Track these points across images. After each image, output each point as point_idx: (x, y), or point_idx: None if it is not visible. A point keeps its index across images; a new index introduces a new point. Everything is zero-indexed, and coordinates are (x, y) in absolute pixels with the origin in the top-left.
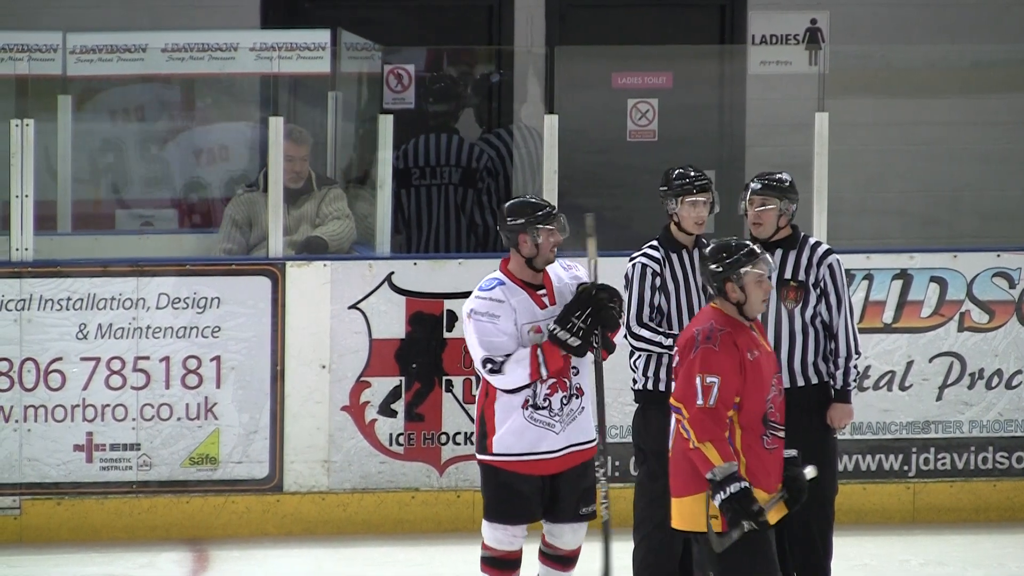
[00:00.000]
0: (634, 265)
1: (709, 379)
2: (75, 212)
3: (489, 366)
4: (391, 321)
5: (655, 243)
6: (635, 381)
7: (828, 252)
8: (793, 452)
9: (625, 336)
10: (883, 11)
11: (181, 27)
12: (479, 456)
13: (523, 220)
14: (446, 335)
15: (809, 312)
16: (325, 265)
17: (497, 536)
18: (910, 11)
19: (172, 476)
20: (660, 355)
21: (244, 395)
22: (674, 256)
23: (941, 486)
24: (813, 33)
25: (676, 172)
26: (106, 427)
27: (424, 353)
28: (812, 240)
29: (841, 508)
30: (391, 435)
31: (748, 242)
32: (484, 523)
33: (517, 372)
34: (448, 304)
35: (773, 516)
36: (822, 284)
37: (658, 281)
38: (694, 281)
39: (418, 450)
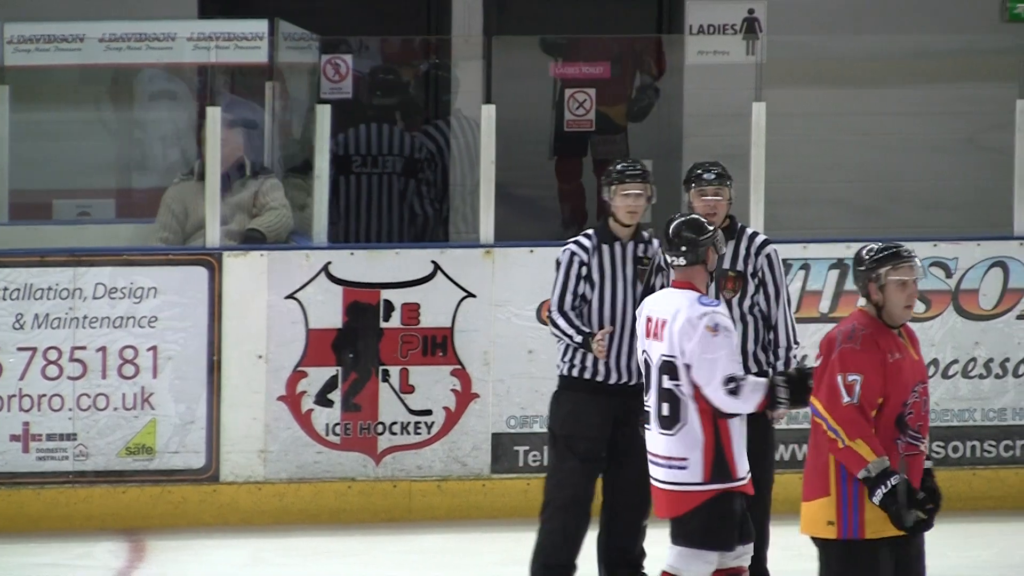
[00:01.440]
0: (564, 252)
1: (851, 377)
2: (12, 202)
3: (732, 385)
4: (328, 311)
5: (590, 232)
6: (559, 366)
7: (766, 242)
8: (929, 464)
9: (547, 317)
10: (821, 1)
11: (119, 17)
12: (721, 486)
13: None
14: (383, 325)
15: (747, 302)
16: (262, 255)
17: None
18: (847, 1)
19: (109, 466)
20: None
21: (181, 385)
22: (606, 247)
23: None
24: (750, 23)
25: (617, 163)
26: (43, 417)
27: (361, 343)
28: (750, 230)
29: (778, 497)
30: (327, 425)
31: (899, 245)
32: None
33: (753, 399)
34: (385, 294)
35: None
36: (760, 274)
37: (584, 270)
38: (623, 273)
39: (355, 440)
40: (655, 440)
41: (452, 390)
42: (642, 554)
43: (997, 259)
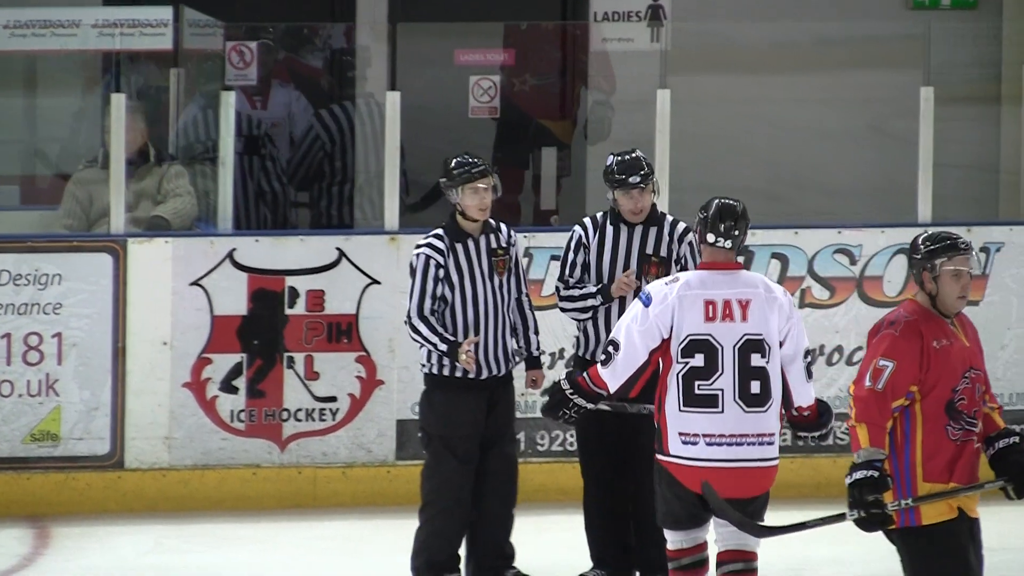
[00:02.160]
0: (418, 255)
1: (883, 362)
2: None
3: (809, 359)
4: (233, 298)
5: (440, 232)
6: (423, 365)
7: (687, 230)
8: (1016, 439)
9: (405, 322)
10: None
11: (23, 3)
12: None
13: None
14: (288, 311)
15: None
16: (167, 242)
17: None
18: None
19: (13, 453)
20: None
21: (85, 372)
22: (459, 246)
23: (783, 462)
24: (655, 10)
25: (455, 161)
26: None
27: (266, 330)
28: (670, 218)
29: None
30: (232, 412)
31: (955, 236)
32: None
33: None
34: (290, 281)
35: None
36: (683, 261)
37: (441, 272)
38: (479, 270)
39: (259, 427)
40: (740, 420)
41: (357, 377)
42: (513, 549)
43: (901, 246)
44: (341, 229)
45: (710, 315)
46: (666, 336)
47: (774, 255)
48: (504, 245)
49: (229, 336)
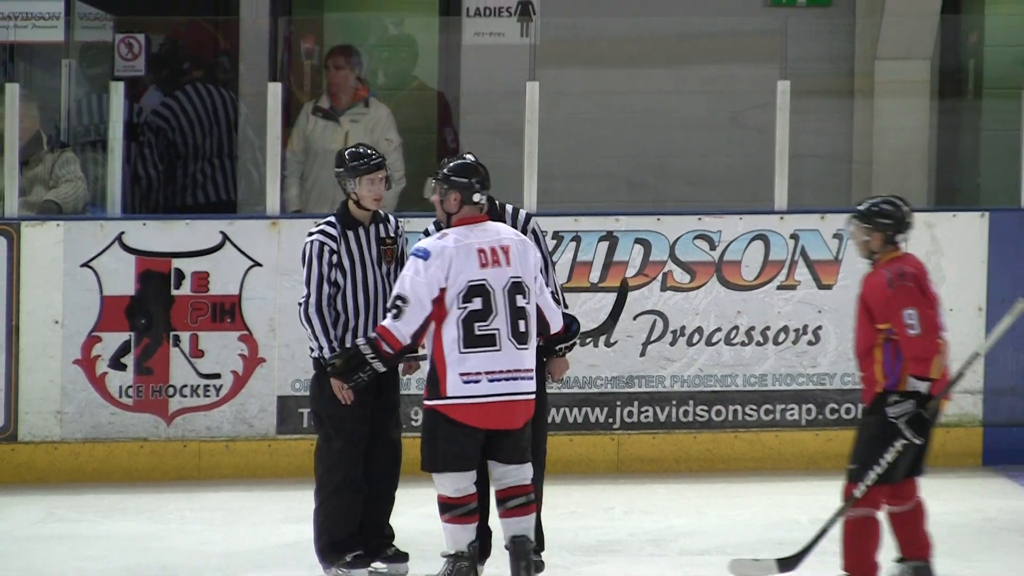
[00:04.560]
0: (311, 243)
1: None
2: None
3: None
4: (121, 279)
5: (332, 220)
6: (311, 349)
7: (529, 216)
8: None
9: (299, 304)
10: None
11: None
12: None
13: None
14: (174, 292)
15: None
16: (58, 225)
17: None
18: None
19: None
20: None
21: None
22: (350, 233)
23: (644, 438)
24: (525, 6)
25: (350, 152)
26: None
27: (153, 310)
28: (510, 207)
29: (549, 458)
30: (121, 387)
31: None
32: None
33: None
34: (176, 263)
35: None
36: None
37: (335, 258)
38: (369, 256)
39: (147, 402)
40: (513, 357)
41: (240, 355)
42: (392, 530)
43: (758, 232)
44: (225, 214)
45: (483, 262)
46: (443, 286)
47: (637, 240)
48: (392, 235)
49: (118, 315)
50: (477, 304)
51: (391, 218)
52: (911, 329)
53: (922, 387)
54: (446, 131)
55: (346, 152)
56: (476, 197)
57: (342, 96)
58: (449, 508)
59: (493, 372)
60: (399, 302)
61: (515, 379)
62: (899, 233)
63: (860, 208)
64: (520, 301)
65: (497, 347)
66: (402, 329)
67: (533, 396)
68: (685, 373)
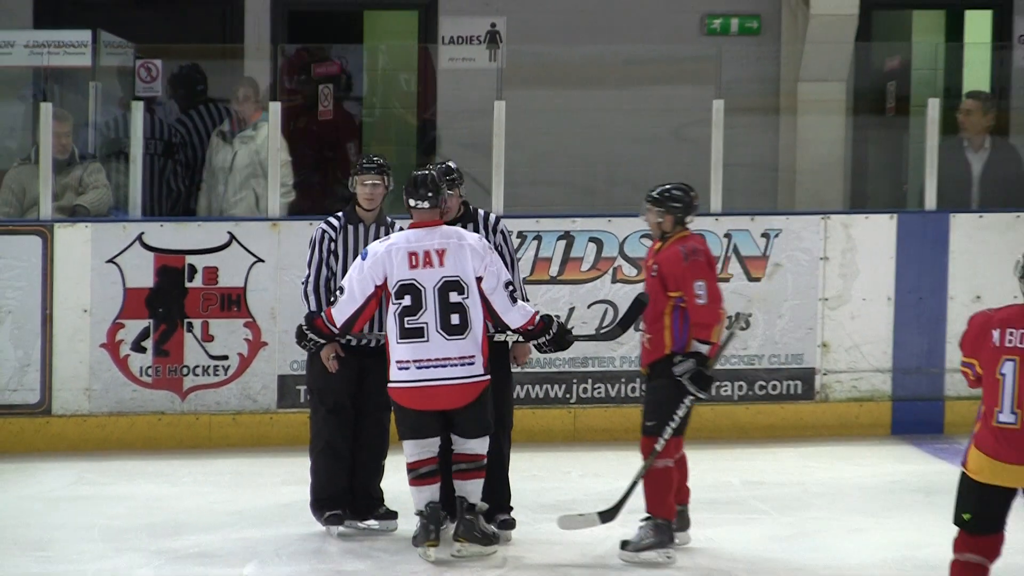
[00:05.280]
0: (316, 231)
1: (967, 362)
2: None
3: (512, 289)
4: (142, 273)
5: (340, 215)
6: None
7: (498, 219)
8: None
9: (302, 284)
10: (551, 17)
11: None
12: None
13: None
14: (187, 284)
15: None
16: (87, 226)
17: None
18: (573, 16)
19: None
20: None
21: (19, 334)
22: (351, 228)
23: (597, 411)
24: (493, 35)
25: (361, 157)
26: None
27: (169, 300)
28: (482, 212)
29: (515, 429)
30: (141, 368)
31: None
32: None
33: (523, 314)
34: (189, 259)
35: None
36: (498, 248)
37: (333, 246)
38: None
39: (164, 380)
40: (443, 346)
41: (245, 339)
42: (381, 492)
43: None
44: (231, 217)
45: (413, 263)
46: (379, 283)
47: (591, 239)
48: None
49: (139, 305)
50: (407, 301)
51: (396, 223)
52: (699, 299)
53: (703, 349)
54: (348, 146)
55: (360, 156)
56: (412, 203)
57: (240, 121)
58: (409, 471)
59: (420, 360)
60: (339, 292)
61: (443, 366)
62: (688, 215)
63: (653, 194)
64: (454, 298)
65: (425, 338)
66: (335, 315)
67: (467, 380)
68: (633, 355)
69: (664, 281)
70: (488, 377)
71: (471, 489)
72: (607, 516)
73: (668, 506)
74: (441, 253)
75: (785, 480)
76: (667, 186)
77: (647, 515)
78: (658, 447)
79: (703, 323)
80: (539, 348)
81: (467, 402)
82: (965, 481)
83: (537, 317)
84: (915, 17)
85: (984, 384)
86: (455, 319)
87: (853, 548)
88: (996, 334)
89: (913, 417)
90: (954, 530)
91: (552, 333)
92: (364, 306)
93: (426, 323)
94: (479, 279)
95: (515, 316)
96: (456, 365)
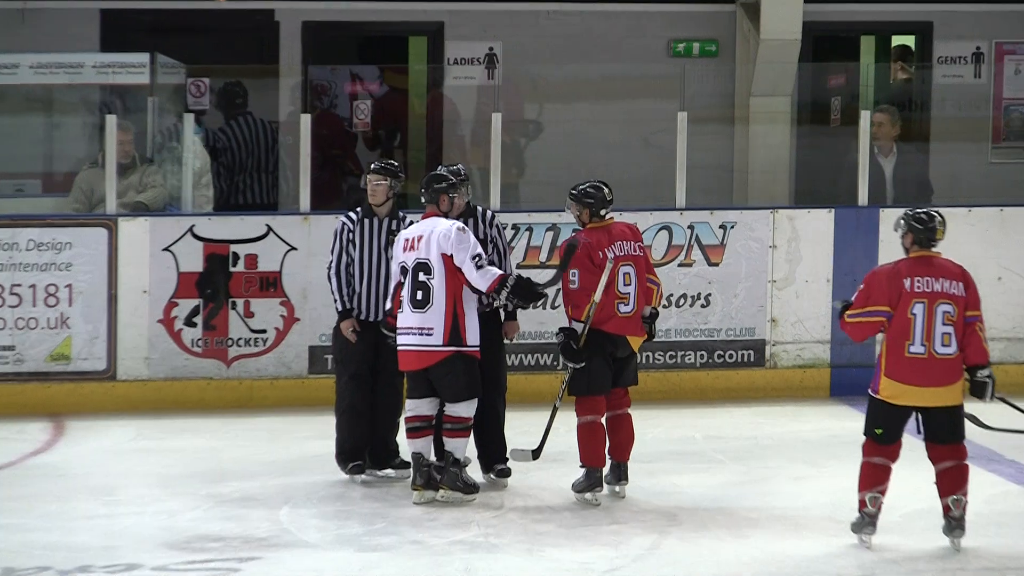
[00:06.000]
0: (339, 222)
1: (880, 311)
2: None
3: (479, 260)
4: (193, 259)
5: (358, 209)
6: (335, 300)
7: (493, 215)
8: None
9: (327, 269)
10: (540, 42)
11: (43, 49)
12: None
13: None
14: (232, 269)
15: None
16: (146, 220)
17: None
18: (559, 41)
19: (38, 369)
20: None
21: (88, 311)
22: (367, 221)
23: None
24: (491, 57)
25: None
26: None
27: (216, 282)
28: (480, 208)
29: (509, 392)
30: (192, 340)
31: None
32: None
33: (489, 276)
34: (233, 247)
35: None
36: (493, 240)
37: (352, 236)
38: (377, 242)
39: (211, 351)
40: (410, 318)
41: (280, 315)
42: (397, 445)
43: (664, 224)
44: (268, 210)
45: (405, 247)
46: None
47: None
48: (397, 230)
49: (190, 286)
50: (404, 279)
51: (407, 218)
52: (572, 284)
53: (577, 327)
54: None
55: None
56: (423, 199)
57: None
58: (406, 422)
59: (401, 329)
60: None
61: (410, 334)
62: (602, 208)
63: (573, 191)
64: (422, 276)
65: (403, 310)
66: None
67: (422, 348)
68: None
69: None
70: (450, 349)
71: (455, 446)
72: (536, 453)
73: (595, 455)
74: (419, 239)
75: (740, 435)
76: (584, 185)
77: (581, 463)
78: (556, 403)
79: (575, 303)
80: (509, 304)
81: (421, 367)
82: (876, 403)
83: (500, 278)
84: (862, 41)
85: (895, 323)
86: (419, 295)
87: (797, 492)
88: (907, 282)
89: (848, 381)
90: None
91: (510, 285)
92: (398, 284)
93: (404, 297)
94: (450, 257)
95: (481, 281)
96: (415, 334)
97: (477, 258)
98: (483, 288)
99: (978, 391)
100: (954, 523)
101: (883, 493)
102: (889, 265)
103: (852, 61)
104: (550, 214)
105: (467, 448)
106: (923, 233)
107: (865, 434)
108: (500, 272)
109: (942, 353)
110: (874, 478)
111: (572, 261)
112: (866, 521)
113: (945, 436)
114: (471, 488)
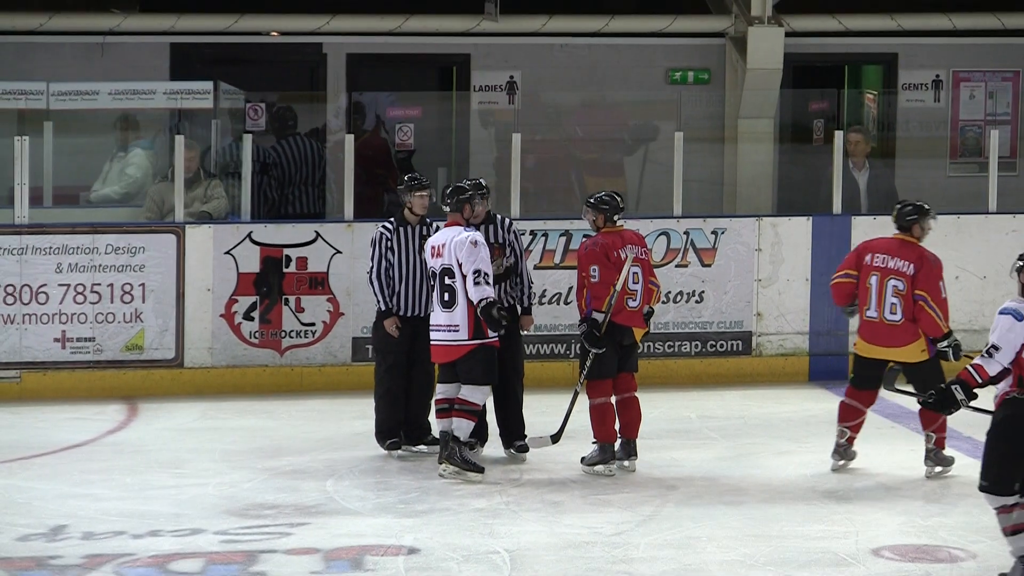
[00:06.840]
0: (377, 232)
1: (850, 274)
2: (54, 193)
3: (478, 276)
4: (251, 261)
5: (392, 219)
6: (378, 301)
7: (511, 223)
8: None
9: (367, 273)
10: (555, 71)
11: (120, 79)
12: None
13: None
14: (285, 270)
15: (507, 262)
16: (209, 227)
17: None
18: (572, 71)
19: (115, 357)
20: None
21: (159, 307)
22: (402, 230)
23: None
24: (511, 84)
25: (407, 176)
26: (73, 327)
27: (271, 281)
28: (499, 217)
29: (527, 378)
30: (250, 332)
31: None
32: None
33: (478, 293)
34: (286, 251)
35: None
36: (511, 245)
37: (389, 243)
38: (413, 247)
39: (267, 341)
40: (438, 316)
41: (328, 311)
42: (429, 424)
43: (663, 230)
44: (317, 218)
45: (432, 254)
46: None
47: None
48: (428, 235)
49: (248, 285)
50: (435, 282)
51: (435, 224)
52: (593, 278)
53: (599, 316)
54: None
55: (404, 176)
56: (445, 206)
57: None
58: (436, 404)
59: (433, 326)
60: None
61: (440, 331)
62: (615, 214)
63: (590, 200)
64: (447, 280)
65: (434, 310)
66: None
67: (449, 343)
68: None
69: (580, 263)
70: (474, 342)
71: (458, 424)
72: (555, 438)
73: (608, 432)
74: (443, 246)
75: (730, 415)
76: (601, 193)
77: (594, 440)
78: (578, 388)
79: (596, 296)
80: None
81: (450, 360)
82: (854, 357)
83: (483, 300)
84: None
85: (860, 292)
86: (446, 296)
87: (781, 465)
88: (868, 257)
89: (825, 368)
90: None
91: (480, 308)
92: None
93: (433, 299)
94: (461, 265)
95: (474, 294)
96: (443, 331)
97: (477, 274)
98: (473, 300)
99: (944, 358)
100: (926, 453)
101: (852, 429)
102: (869, 240)
103: (832, 88)
104: (563, 221)
105: (471, 431)
106: (897, 220)
107: (848, 379)
108: (488, 294)
109: (890, 319)
110: (845, 415)
111: (591, 259)
112: (837, 450)
113: (920, 388)
114: (470, 466)
